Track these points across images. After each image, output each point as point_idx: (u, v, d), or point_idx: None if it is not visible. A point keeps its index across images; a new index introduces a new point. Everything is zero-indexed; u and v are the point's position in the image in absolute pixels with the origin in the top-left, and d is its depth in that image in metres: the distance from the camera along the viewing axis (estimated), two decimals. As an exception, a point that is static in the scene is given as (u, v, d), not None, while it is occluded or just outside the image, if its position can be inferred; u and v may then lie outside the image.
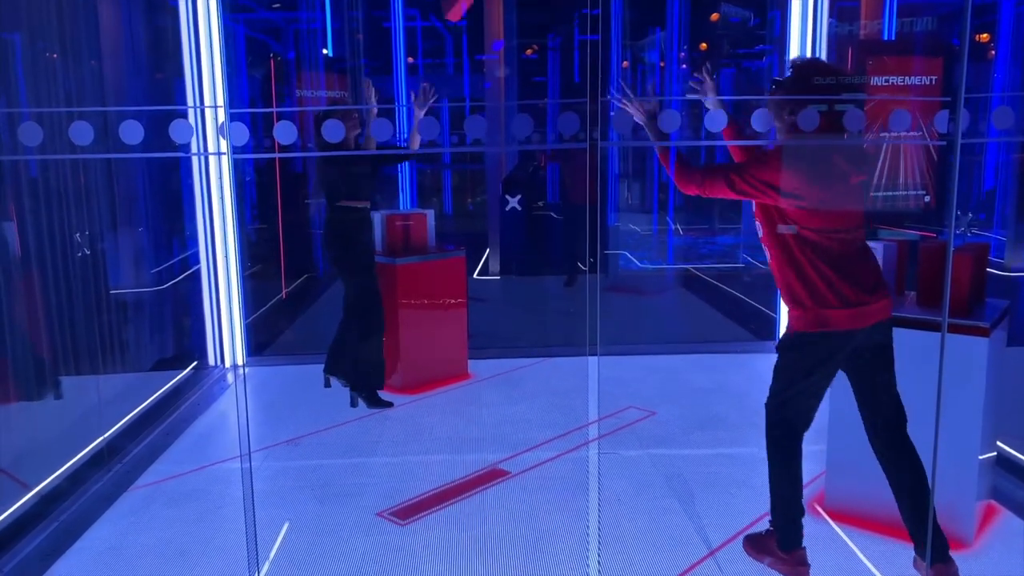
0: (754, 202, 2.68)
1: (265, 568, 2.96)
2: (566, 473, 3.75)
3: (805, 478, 2.80)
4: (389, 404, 4.67)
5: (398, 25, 9.88)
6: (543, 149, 9.54)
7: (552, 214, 10.57)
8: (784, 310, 2.79)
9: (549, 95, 13.70)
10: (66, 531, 3.26)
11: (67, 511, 3.40)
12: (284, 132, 2.59)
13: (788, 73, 2.65)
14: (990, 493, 3.31)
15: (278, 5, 10.61)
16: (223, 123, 3.09)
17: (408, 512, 3.39)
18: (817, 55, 5.11)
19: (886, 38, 7.36)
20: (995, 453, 3.35)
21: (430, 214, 5.17)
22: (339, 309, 4.62)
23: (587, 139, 2.77)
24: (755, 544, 2.93)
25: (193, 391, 4.92)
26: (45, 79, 3.85)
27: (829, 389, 2.78)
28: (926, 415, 2.62)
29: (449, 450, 4.06)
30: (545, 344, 5.88)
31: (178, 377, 5.05)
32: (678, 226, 11.63)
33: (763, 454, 2.81)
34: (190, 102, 5.02)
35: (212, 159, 5.09)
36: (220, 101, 4.99)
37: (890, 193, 6.08)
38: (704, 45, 12.21)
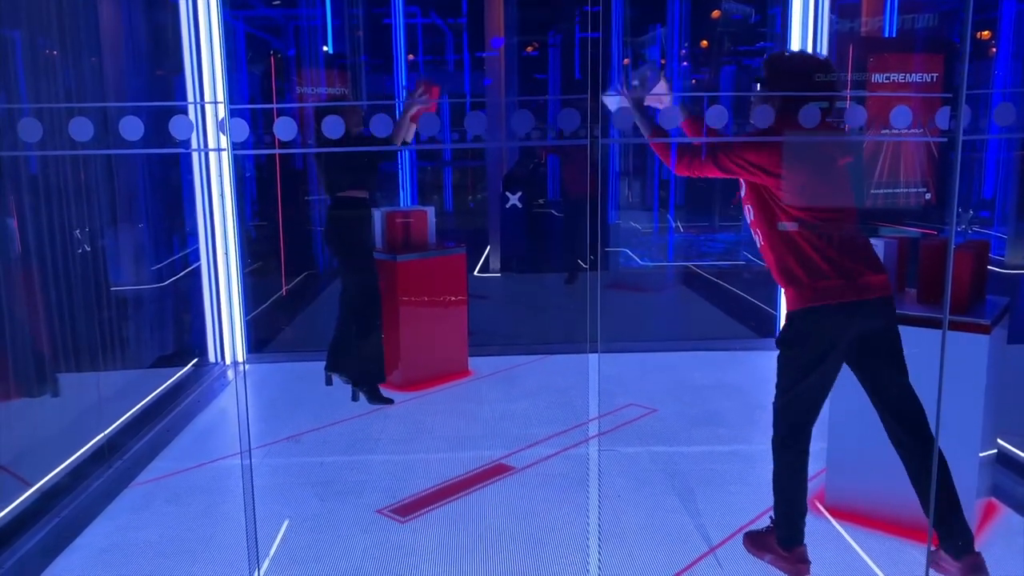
0: (744, 185, 2.68)
1: (265, 565, 2.97)
2: (566, 470, 3.75)
3: (806, 476, 2.80)
4: (390, 401, 4.67)
5: (398, 22, 9.87)
6: (543, 145, 9.53)
7: (553, 211, 10.56)
8: (784, 312, 2.77)
9: (550, 92, 13.69)
10: (66, 528, 3.26)
11: (68, 507, 3.40)
12: (284, 128, 2.59)
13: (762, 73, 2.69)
14: (990, 491, 3.31)
15: (278, 2, 10.61)
16: (223, 119, 3.09)
17: (408, 509, 3.39)
18: (818, 52, 5.10)
19: (887, 35, 7.36)
20: (995, 450, 3.35)
21: (430, 211, 5.16)
22: (338, 306, 4.62)
23: (588, 136, 2.76)
24: (755, 541, 2.93)
25: (193, 388, 4.92)
26: (45, 75, 3.85)
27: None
28: (927, 412, 2.63)
29: (449, 447, 4.06)
30: (545, 341, 5.88)
31: (178, 374, 5.06)
32: (679, 223, 11.63)
33: (763, 450, 2.80)
34: (190, 98, 5.02)
35: (212, 155, 5.09)
36: (220, 97, 4.98)
37: (891, 190, 6.08)
38: (705, 42, 12.20)
